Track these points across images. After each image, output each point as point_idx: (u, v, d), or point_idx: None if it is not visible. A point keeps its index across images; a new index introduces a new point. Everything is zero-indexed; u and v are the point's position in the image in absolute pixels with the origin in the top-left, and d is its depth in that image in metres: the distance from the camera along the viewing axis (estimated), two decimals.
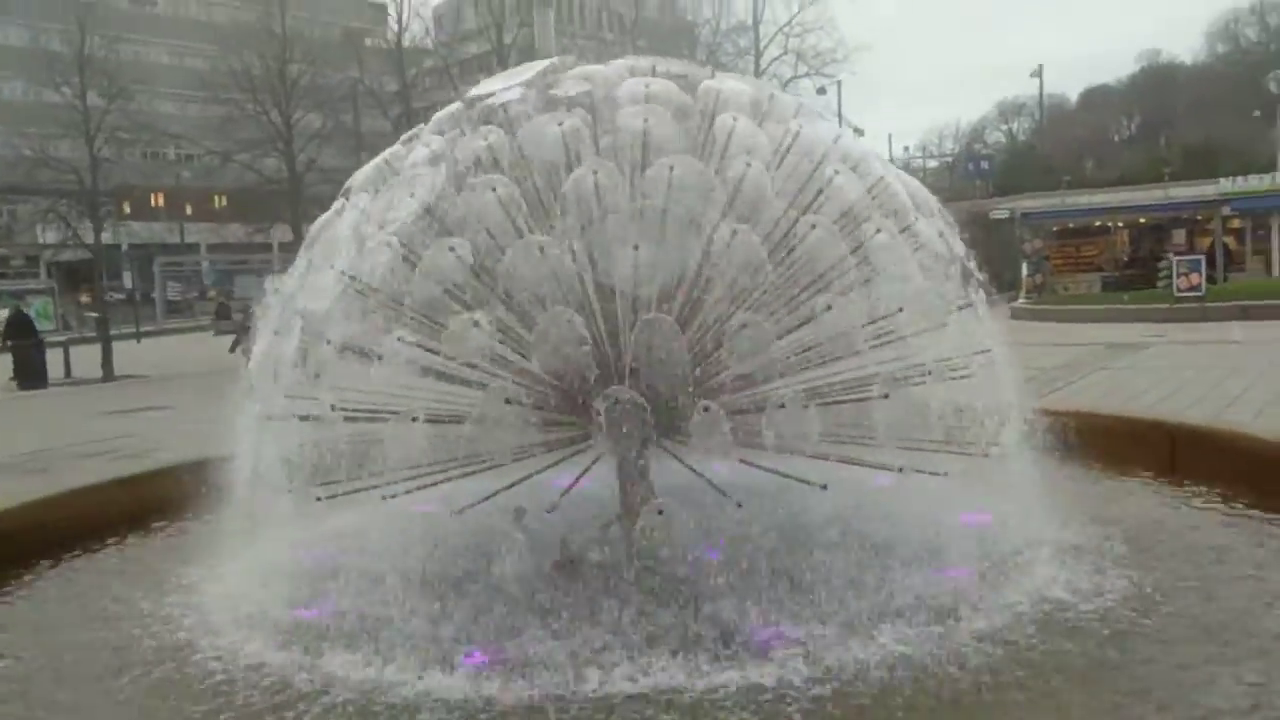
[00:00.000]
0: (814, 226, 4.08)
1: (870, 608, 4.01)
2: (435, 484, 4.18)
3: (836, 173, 4.36)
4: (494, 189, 4.07)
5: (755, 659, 3.63)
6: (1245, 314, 22.45)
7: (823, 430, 3.99)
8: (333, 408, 4.10)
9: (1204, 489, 5.86)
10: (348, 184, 5.13)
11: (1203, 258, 28.15)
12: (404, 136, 5.22)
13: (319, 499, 4.20)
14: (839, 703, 3.36)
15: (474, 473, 4.16)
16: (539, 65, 4.96)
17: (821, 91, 46.63)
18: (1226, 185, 41.62)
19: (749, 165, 4.15)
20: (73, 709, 3.76)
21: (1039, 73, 63.81)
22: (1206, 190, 42.14)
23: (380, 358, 4.08)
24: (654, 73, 4.85)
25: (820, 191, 4.29)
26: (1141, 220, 46.00)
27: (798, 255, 4.08)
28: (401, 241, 4.16)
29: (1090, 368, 14.46)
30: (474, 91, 4.91)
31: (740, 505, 4.03)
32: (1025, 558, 4.57)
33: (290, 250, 6.89)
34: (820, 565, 4.27)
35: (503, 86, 4.77)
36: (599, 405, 3.68)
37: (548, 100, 4.56)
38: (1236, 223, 44.26)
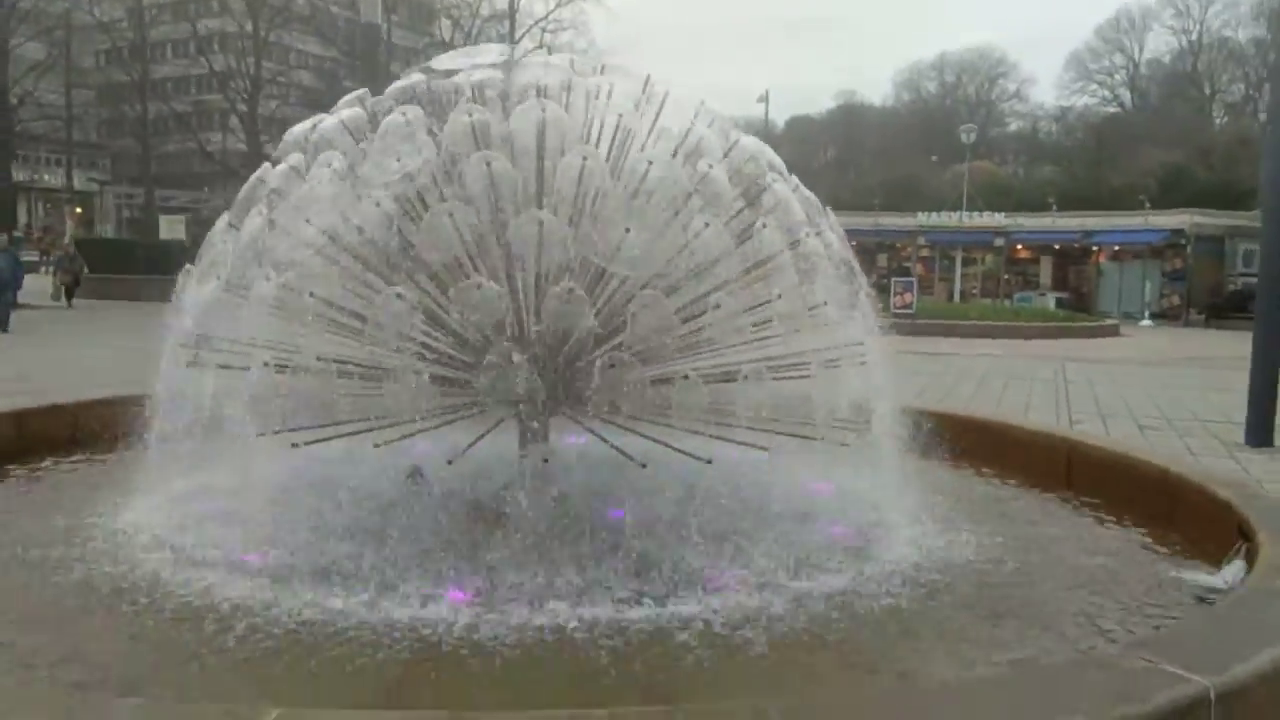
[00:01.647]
0: (764, 225, 4.71)
1: (786, 558, 4.70)
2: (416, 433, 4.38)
3: (773, 180, 5.02)
4: (488, 163, 4.34)
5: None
6: (950, 331, 25.91)
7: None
8: (318, 358, 4.19)
9: (991, 469, 7.16)
10: (285, 141, 5.14)
11: (915, 279, 32.00)
12: (346, 99, 5.27)
13: (295, 445, 4.27)
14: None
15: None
16: (495, 49, 5.23)
17: None
18: (924, 219, 47.30)
19: (711, 167, 4.71)
20: None
21: (765, 98, 68.81)
22: (909, 222, 47.68)
23: (367, 317, 4.23)
24: (602, 70, 5.29)
25: (764, 190, 4.94)
26: (854, 244, 51.13)
27: (752, 247, 4.69)
28: (394, 203, 4.32)
29: None
30: (437, 65, 5.09)
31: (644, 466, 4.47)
32: (893, 517, 5.46)
33: None
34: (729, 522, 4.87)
35: (467, 65, 5.00)
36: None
37: (520, 85, 4.87)
38: (926, 251, 50.40)
